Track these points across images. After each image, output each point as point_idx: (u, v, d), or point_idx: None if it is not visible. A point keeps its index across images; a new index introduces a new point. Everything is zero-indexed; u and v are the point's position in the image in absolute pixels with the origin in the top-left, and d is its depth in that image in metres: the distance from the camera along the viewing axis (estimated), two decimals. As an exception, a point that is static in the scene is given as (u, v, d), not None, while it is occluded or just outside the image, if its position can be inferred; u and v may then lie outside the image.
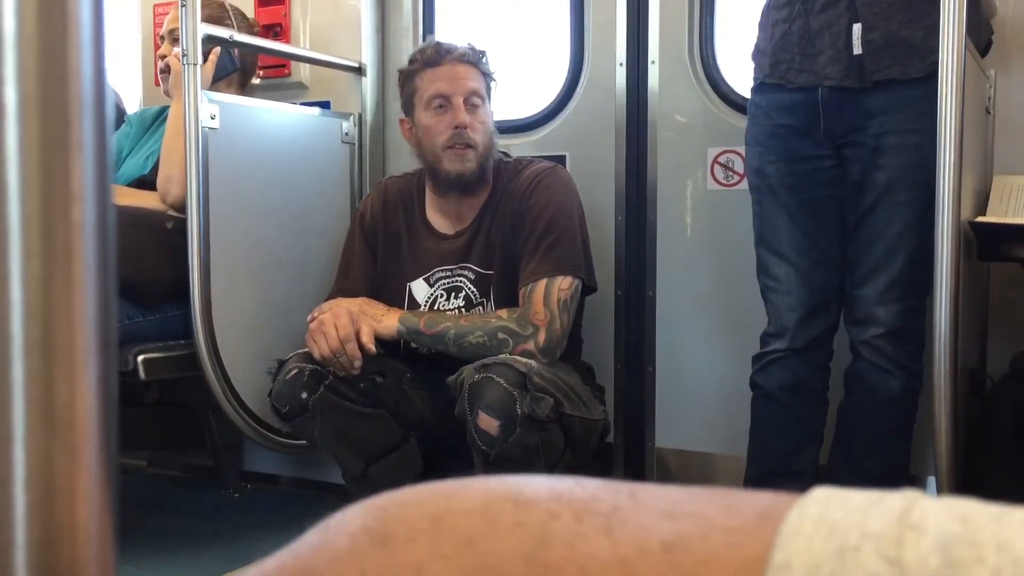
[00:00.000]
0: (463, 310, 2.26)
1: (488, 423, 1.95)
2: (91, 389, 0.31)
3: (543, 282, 2.15)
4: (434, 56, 2.27)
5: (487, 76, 2.31)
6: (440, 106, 2.25)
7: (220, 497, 2.89)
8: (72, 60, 0.31)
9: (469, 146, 2.24)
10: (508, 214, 2.26)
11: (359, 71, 2.86)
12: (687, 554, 0.30)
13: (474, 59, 2.28)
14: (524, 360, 2.02)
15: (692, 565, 0.30)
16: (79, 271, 0.31)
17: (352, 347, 2.12)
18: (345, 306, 2.23)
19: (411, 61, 2.33)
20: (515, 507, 0.33)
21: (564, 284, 2.16)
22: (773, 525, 0.30)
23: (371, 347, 2.13)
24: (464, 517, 0.33)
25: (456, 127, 2.23)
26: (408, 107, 2.34)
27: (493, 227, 2.28)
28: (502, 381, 1.95)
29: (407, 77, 2.32)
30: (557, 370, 2.11)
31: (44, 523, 0.31)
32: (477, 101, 2.27)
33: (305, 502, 2.84)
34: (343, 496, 2.33)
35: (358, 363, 2.12)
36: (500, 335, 2.11)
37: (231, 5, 2.67)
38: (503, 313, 2.16)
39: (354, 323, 2.13)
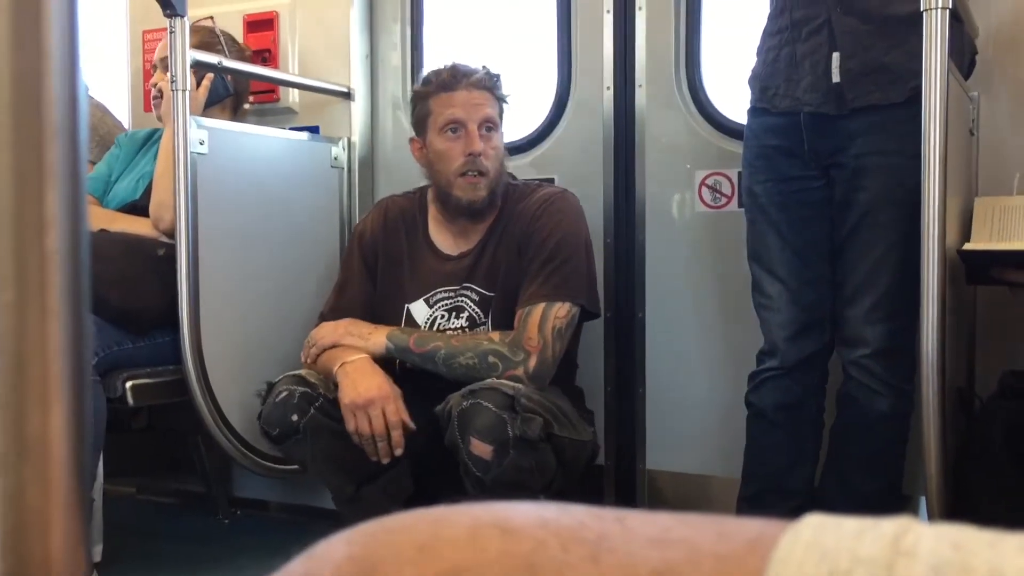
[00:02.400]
0: (466, 330, 2.25)
1: (481, 448, 1.93)
2: (64, 418, 0.31)
3: (540, 307, 2.14)
4: (450, 80, 2.25)
5: (501, 100, 2.30)
6: (454, 131, 2.24)
7: (210, 523, 2.87)
8: (45, 87, 0.31)
9: (481, 173, 2.22)
10: (515, 236, 2.25)
11: (348, 96, 2.87)
12: None
13: (490, 84, 2.27)
14: (511, 383, 2.01)
15: None
16: (52, 298, 0.31)
17: (398, 435, 2.08)
18: (332, 336, 2.22)
19: (426, 82, 2.30)
20: (502, 535, 0.32)
21: (561, 312, 2.15)
22: (763, 553, 0.30)
23: (412, 425, 2.10)
24: (450, 546, 0.32)
25: (470, 154, 2.22)
26: (420, 128, 2.31)
27: (499, 248, 2.27)
28: (491, 405, 1.93)
29: (421, 98, 2.30)
30: (547, 392, 2.11)
31: (17, 553, 0.31)
32: (491, 127, 2.26)
33: (295, 528, 2.82)
34: (333, 521, 2.31)
35: (400, 451, 2.09)
36: (491, 359, 2.09)
37: (222, 31, 2.68)
38: (495, 336, 2.15)
39: (399, 404, 2.10)
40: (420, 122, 2.31)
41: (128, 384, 2.33)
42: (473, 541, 0.32)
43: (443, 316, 2.28)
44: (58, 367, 0.31)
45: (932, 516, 1.79)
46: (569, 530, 0.32)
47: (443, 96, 2.25)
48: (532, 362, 2.09)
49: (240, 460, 2.49)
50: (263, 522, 2.90)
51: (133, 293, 2.34)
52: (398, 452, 2.09)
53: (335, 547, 0.34)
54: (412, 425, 2.09)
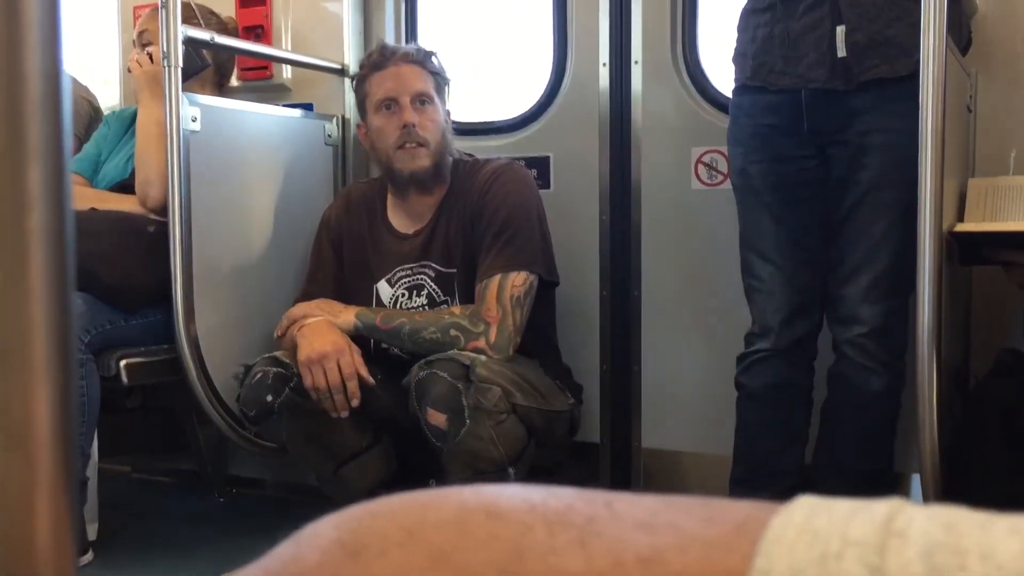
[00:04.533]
0: (426, 308, 2.27)
1: (436, 417, 1.97)
2: (49, 402, 0.30)
3: (497, 278, 2.16)
4: (379, 59, 2.30)
5: (436, 75, 2.32)
6: (388, 107, 2.27)
7: (205, 502, 2.87)
8: (27, 63, 0.30)
9: (420, 144, 2.25)
10: (467, 211, 2.27)
11: (342, 73, 2.85)
12: (663, 568, 0.29)
13: (420, 59, 2.30)
14: (469, 354, 2.03)
15: None
16: (35, 280, 0.30)
17: (354, 384, 2.10)
18: (304, 309, 2.24)
19: (360, 66, 2.37)
20: (489, 519, 0.32)
21: (518, 280, 2.17)
22: (751, 537, 0.30)
23: (370, 379, 2.12)
24: (437, 530, 0.32)
25: (404, 126, 2.24)
26: (362, 112, 2.36)
27: (452, 224, 2.29)
28: (445, 375, 1.97)
29: (359, 82, 2.36)
30: (514, 364, 2.12)
31: (1, 539, 0.30)
32: (426, 100, 2.29)
33: (290, 506, 2.83)
34: (327, 500, 2.32)
35: (356, 402, 2.11)
36: (452, 332, 2.12)
37: (198, 4, 2.65)
38: (456, 310, 2.17)
39: (355, 357, 2.11)
40: (361, 107, 2.37)
41: (122, 363, 2.33)
42: (460, 525, 0.32)
43: (404, 295, 2.31)
44: (42, 350, 0.30)
45: (926, 494, 1.80)
46: (557, 514, 0.32)
47: (376, 75, 2.29)
48: (492, 332, 2.11)
49: (234, 439, 2.49)
50: (258, 500, 2.90)
51: (124, 270, 2.33)
52: (354, 403, 2.10)
53: (322, 530, 0.34)
54: (370, 379, 2.11)
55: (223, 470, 2.95)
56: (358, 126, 2.41)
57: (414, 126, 2.24)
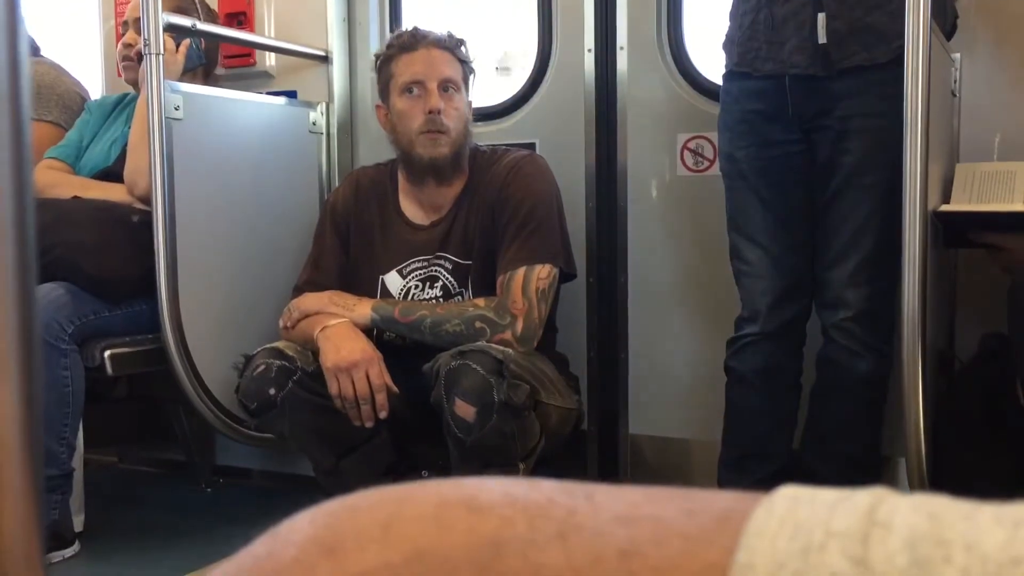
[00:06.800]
0: (440, 300, 2.25)
1: (465, 410, 1.94)
2: (12, 399, 0.29)
3: (522, 270, 2.14)
4: (410, 41, 2.26)
5: (464, 64, 2.29)
6: (412, 91, 2.23)
7: (192, 492, 2.87)
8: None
9: (441, 132, 2.22)
10: (486, 203, 2.24)
11: (326, 59, 2.83)
12: (643, 561, 0.29)
13: (451, 45, 2.27)
14: (501, 348, 2.01)
15: (648, 573, 0.29)
16: (-4, 273, 0.29)
17: (382, 397, 2.07)
18: (316, 302, 2.21)
19: (388, 46, 2.31)
20: (468, 513, 0.32)
21: (543, 273, 2.15)
22: (732, 530, 0.29)
23: (395, 389, 2.10)
24: (415, 524, 0.32)
25: (429, 112, 2.21)
26: (384, 93, 2.31)
27: (470, 216, 2.26)
28: (479, 368, 1.94)
29: (384, 62, 2.30)
30: (533, 358, 2.11)
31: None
32: (452, 87, 2.25)
33: (277, 495, 2.83)
34: (315, 489, 2.31)
35: (384, 414, 2.09)
36: (478, 324, 2.09)
37: None
38: (480, 302, 2.14)
39: (382, 366, 2.09)
40: (384, 87, 2.32)
41: (107, 353, 2.32)
42: (438, 519, 0.32)
43: (417, 287, 2.27)
44: (3, 345, 0.29)
45: (911, 478, 1.81)
46: (537, 507, 0.32)
47: (404, 57, 2.25)
48: (519, 325, 2.09)
49: (221, 428, 2.48)
50: (245, 490, 2.90)
51: (108, 260, 2.32)
52: (383, 415, 2.08)
53: (298, 526, 0.33)
54: (395, 388, 2.09)
55: (209, 460, 2.95)
56: (377, 106, 2.36)
57: (439, 112, 2.21)
